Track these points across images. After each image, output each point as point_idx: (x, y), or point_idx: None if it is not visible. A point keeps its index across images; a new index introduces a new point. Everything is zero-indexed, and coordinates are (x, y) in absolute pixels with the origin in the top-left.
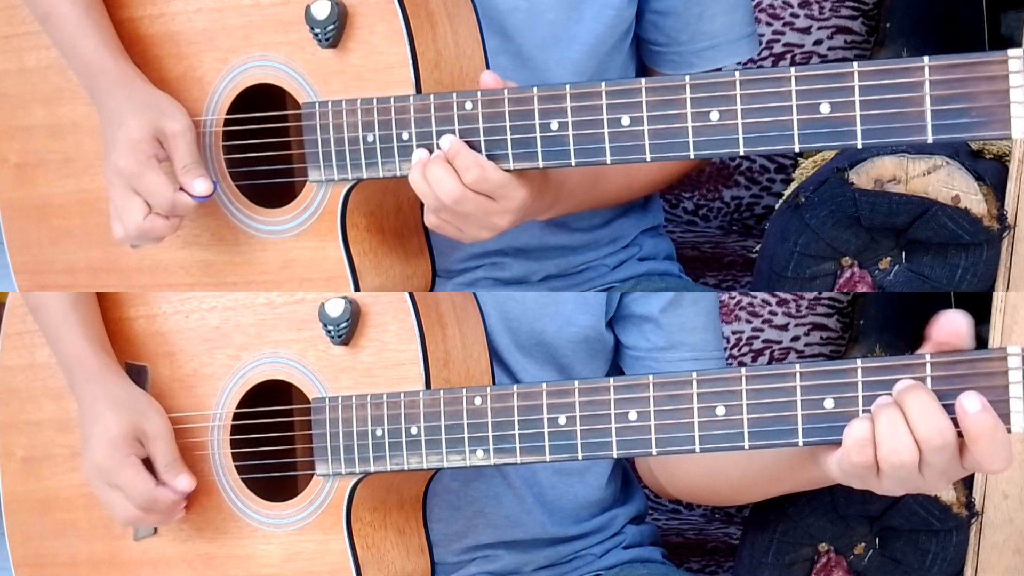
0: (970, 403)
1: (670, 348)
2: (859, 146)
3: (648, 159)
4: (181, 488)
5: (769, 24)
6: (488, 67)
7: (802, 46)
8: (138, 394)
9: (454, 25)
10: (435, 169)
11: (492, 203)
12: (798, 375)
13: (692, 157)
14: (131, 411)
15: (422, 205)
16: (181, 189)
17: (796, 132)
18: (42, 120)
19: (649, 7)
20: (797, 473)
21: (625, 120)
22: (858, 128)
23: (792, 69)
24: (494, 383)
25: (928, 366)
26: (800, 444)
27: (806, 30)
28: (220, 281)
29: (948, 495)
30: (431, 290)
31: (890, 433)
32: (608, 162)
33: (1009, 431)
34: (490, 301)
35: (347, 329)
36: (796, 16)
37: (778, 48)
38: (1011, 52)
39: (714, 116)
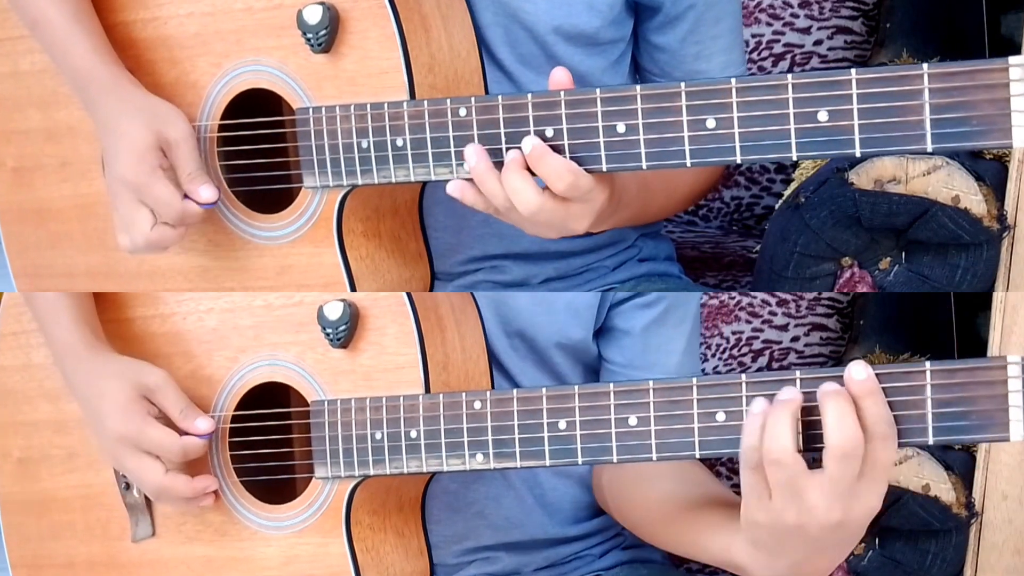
0: (857, 371)
1: (645, 367)
2: (857, 155)
3: (644, 167)
4: (203, 429)
5: (769, 24)
6: (483, 68)
7: (802, 46)
8: (129, 359)
9: (448, 27)
10: (514, 178)
11: (572, 206)
12: (798, 382)
13: (688, 165)
14: (129, 374)
15: (420, 207)
16: (186, 197)
17: (793, 140)
18: (38, 124)
19: (645, 38)
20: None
21: (620, 127)
22: (856, 137)
23: (789, 76)
24: (493, 385)
25: (928, 374)
26: (800, 449)
27: (806, 30)
28: (217, 287)
29: (948, 495)
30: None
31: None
32: (604, 169)
33: (1007, 440)
34: (488, 304)
35: (346, 332)
36: (796, 16)
37: (778, 48)
38: (1012, 60)
39: (710, 123)
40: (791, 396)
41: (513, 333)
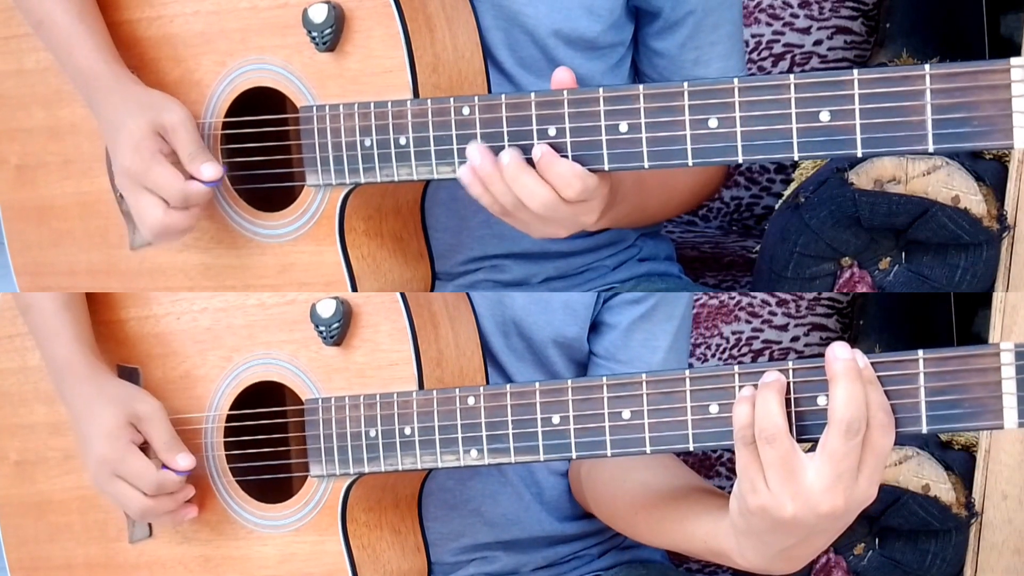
0: (841, 351)
1: (627, 362)
2: (859, 155)
3: (646, 166)
4: (182, 466)
5: (769, 24)
6: (487, 69)
7: (802, 46)
8: (127, 385)
9: (452, 28)
10: (525, 178)
11: (582, 204)
12: (791, 372)
13: (691, 165)
14: (122, 400)
15: (422, 207)
16: (190, 178)
17: (795, 140)
18: (42, 122)
19: (645, 43)
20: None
21: (623, 127)
22: (858, 137)
23: (791, 76)
24: (488, 382)
25: (921, 362)
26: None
27: (806, 30)
28: (219, 284)
29: (948, 496)
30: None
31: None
32: (606, 169)
33: (1001, 427)
34: (484, 303)
35: (339, 330)
36: (796, 16)
37: (778, 48)
38: (1014, 61)
39: (713, 123)
40: (776, 377)
41: (510, 331)
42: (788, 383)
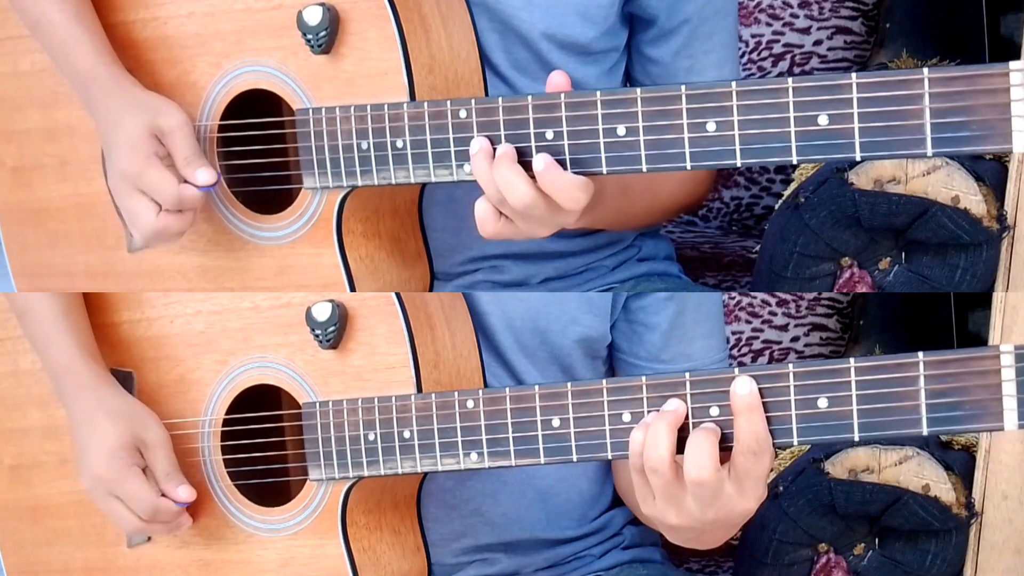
0: (740, 386)
1: (670, 360)
2: (857, 159)
3: (644, 170)
4: (182, 498)
5: (769, 24)
6: (483, 68)
7: (802, 46)
8: (132, 402)
9: (448, 28)
10: (507, 171)
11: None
12: (791, 375)
13: (689, 168)
14: (128, 420)
15: (420, 207)
16: (185, 182)
17: (793, 144)
18: (38, 123)
19: (639, 50)
20: None
21: (621, 130)
22: (856, 141)
23: (789, 80)
24: (485, 382)
25: (921, 365)
26: (795, 444)
27: (806, 30)
28: (217, 287)
29: (948, 496)
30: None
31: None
32: (604, 172)
33: (1001, 430)
34: (492, 301)
35: (335, 333)
36: (796, 16)
37: (777, 48)
38: (1012, 65)
39: (711, 127)
40: (673, 407)
41: (524, 332)
42: (688, 409)
